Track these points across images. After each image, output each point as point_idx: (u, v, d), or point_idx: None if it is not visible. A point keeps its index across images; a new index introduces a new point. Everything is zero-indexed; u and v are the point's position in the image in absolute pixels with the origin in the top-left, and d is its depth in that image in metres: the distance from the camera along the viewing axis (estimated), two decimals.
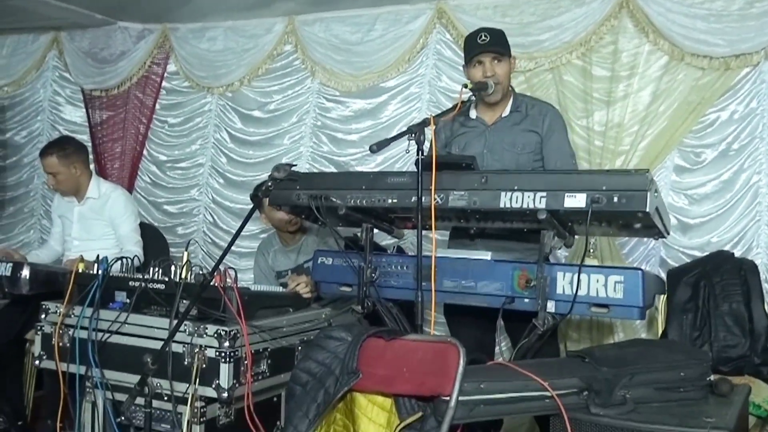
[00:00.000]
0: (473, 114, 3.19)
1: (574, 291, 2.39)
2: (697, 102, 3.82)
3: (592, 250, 3.49)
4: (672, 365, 2.31)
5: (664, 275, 3.65)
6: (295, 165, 2.67)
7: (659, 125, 3.90)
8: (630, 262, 3.95)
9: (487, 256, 2.64)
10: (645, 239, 3.89)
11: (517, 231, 2.68)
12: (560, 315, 2.48)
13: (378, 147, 2.46)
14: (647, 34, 3.92)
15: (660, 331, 3.54)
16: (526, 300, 2.52)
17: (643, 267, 3.83)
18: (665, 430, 2.10)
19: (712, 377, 2.36)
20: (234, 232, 4.75)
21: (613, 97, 4.01)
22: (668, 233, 2.55)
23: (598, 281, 2.42)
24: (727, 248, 3.70)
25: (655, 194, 2.28)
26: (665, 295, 3.51)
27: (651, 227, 2.38)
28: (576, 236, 2.56)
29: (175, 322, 2.70)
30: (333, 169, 4.64)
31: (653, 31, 3.90)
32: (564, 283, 2.47)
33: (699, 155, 3.88)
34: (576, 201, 2.29)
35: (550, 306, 2.48)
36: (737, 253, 3.66)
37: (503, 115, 3.13)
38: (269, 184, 2.53)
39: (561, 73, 4.14)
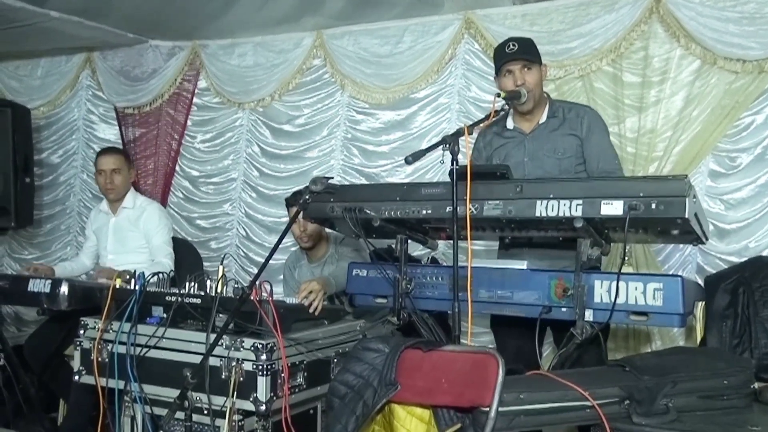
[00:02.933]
0: (510, 124, 3.19)
1: (613, 299, 2.36)
2: (731, 106, 3.77)
3: (628, 258, 3.44)
4: (715, 373, 2.28)
5: (701, 282, 3.60)
6: (332, 178, 2.68)
7: (693, 130, 3.86)
8: (666, 269, 3.90)
9: (522, 265, 2.63)
10: (681, 246, 3.85)
11: (566, 240, 2.65)
12: (599, 323, 2.46)
13: (413, 158, 2.47)
14: (678, 38, 3.88)
15: (699, 339, 3.49)
16: (564, 309, 2.51)
17: (679, 272, 3.83)
18: None
19: (756, 385, 2.33)
20: (267, 245, 4.85)
21: (645, 103, 3.97)
22: (707, 239, 2.51)
23: (636, 289, 2.40)
24: (765, 253, 3.64)
25: (694, 200, 2.25)
26: (703, 302, 3.46)
27: (689, 233, 2.35)
28: (611, 243, 2.54)
29: (212, 336, 2.73)
30: (364, 181, 4.64)
31: (684, 35, 3.86)
32: (602, 291, 2.45)
33: (734, 159, 3.82)
34: (613, 208, 2.28)
35: (588, 315, 2.46)
36: None
37: (540, 122, 3.12)
38: (307, 197, 2.53)
39: (591, 81, 4.11)
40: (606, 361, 2.53)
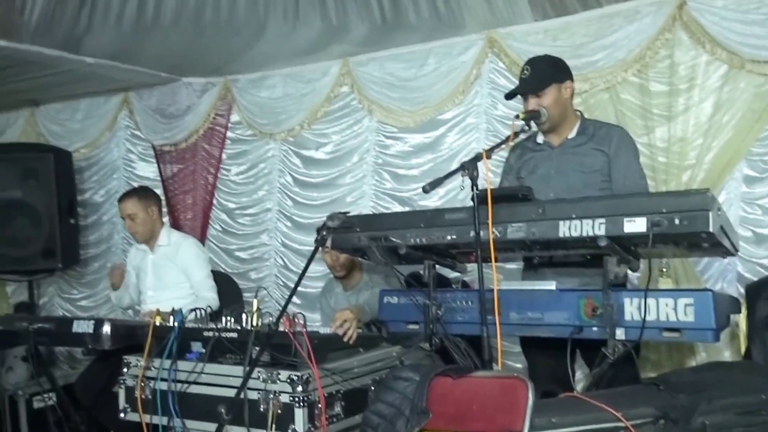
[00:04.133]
0: (540, 139, 3.21)
1: (642, 317, 2.34)
2: (762, 109, 3.70)
3: (665, 270, 3.38)
4: (751, 388, 2.25)
5: (742, 290, 3.53)
6: (349, 212, 2.72)
7: (724, 136, 3.80)
8: (705, 279, 3.83)
9: (551, 286, 2.62)
10: None
11: (594, 257, 2.64)
12: (631, 342, 2.43)
13: (431, 187, 2.49)
14: (703, 44, 3.83)
15: (743, 349, 3.42)
16: (595, 328, 2.49)
17: (719, 283, 3.78)
18: None
19: None
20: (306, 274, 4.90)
21: (674, 112, 3.92)
22: (737, 251, 2.48)
23: (667, 305, 2.37)
24: None
25: (719, 213, 2.23)
26: (745, 311, 3.39)
27: (718, 246, 2.32)
28: (641, 259, 2.52)
29: (247, 369, 2.77)
30: (397, 206, 4.67)
31: (709, 41, 3.81)
32: (632, 309, 2.43)
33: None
34: (636, 225, 2.26)
35: (620, 333, 2.44)
36: None
37: (569, 137, 3.12)
38: (323, 233, 2.58)
39: (618, 92, 4.08)
40: (640, 379, 2.49)
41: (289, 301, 2.67)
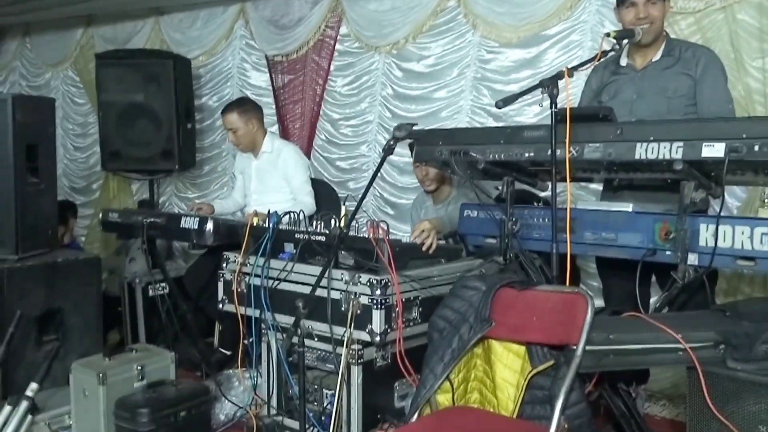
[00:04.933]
0: (624, 61, 3.12)
1: (714, 243, 2.32)
2: None
3: (766, 201, 3.28)
4: None
5: None
6: (416, 124, 2.79)
7: None
8: None
9: (628, 207, 2.62)
10: None
11: (674, 182, 2.62)
12: (703, 267, 2.42)
13: (504, 103, 2.51)
14: None
15: None
16: (668, 252, 2.49)
17: None
18: None
19: None
20: (399, 185, 5.03)
21: None
22: None
23: (743, 233, 2.34)
24: None
25: None
26: None
27: None
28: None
29: (330, 270, 2.96)
30: (491, 121, 4.65)
31: None
32: (707, 235, 2.41)
33: None
34: (714, 150, 2.22)
35: (693, 258, 2.43)
36: None
37: (654, 60, 3.03)
38: (391, 143, 2.67)
39: (734, 11, 3.83)
40: (710, 305, 2.49)
41: (359, 205, 2.80)
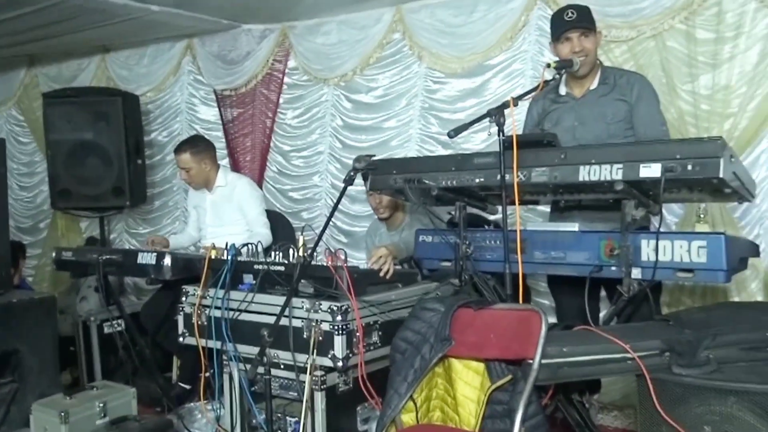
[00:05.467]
0: (563, 90, 3.30)
1: (655, 258, 2.47)
2: None
3: (702, 216, 3.47)
4: (758, 325, 2.37)
5: None
6: (374, 155, 2.89)
7: None
8: (742, 225, 3.89)
9: (574, 227, 2.76)
10: (758, 201, 3.82)
11: (616, 202, 2.77)
12: (646, 281, 2.57)
13: (455, 132, 2.64)
14: None
15: None
16: (613, 268, 2.63)
17: (756, 229, 3.84)
18: (747, 388, 2.17)
19: None
20: (352, 213, 5.13)
21: (719, 60, 3.92)
22: (753, 197, 2.57)
23: (681, 247, 2.49)
24: None
25: (731, 160, 2.32)
26: None
27: (730, 191, 2.42)
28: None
29: (291, 300, 3.02)
30: (441, 149, 4.81)
31: None
32: (648, 250, 2.56)
33: None
34: (651, 171, 2.38)
35: (636, 273, 2.58)
36: None
37: (591, 88, 3.21)
38: (351, 173, 2.77)
39: (664, 39, 4.09)
40: (654, 316, 2.64)
41: (321, 236, 2.88)
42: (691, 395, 2.24)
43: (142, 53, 6.42)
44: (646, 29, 4.13)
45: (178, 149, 4.54)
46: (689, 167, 2.31)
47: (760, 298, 3.81)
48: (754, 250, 2.82)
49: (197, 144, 4.55)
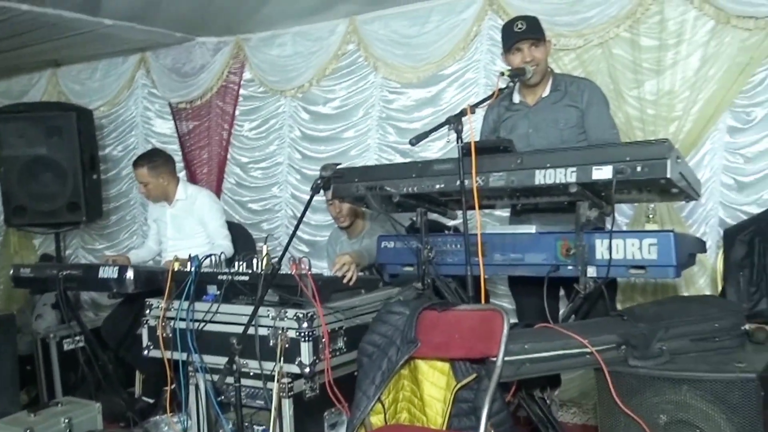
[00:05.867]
0: (516, 98, 3.41)
1: (609, 256, 2.59)
2: (746, 63, 3.86)
3: (651, 216, 3.61)
4: (706, 317, 2.49)
5: (721, 234, 3.77)
6: (340, 164, 2.96)
7: (710, 89, 3.96)
8: (689, 224, 4.05)
9: (532, 229, 2.87)
10: (703, 201, 3.99)
11: (570, 203, 2.87)
12: (601, 278, 2.68)
13: (417, 140, 2.73)
14: (692, 0, 3.99)
15: (720, 288, 3.66)
16: (570, 267, 2.74)
17: (702, 228, 4.00)
18: (698, 377, 2.30)
19: (747, 326, 2.52)
20: (313, 223, 5.18)
21: (663, 66, 4.09)
22: (698, 195, 2.71)
23: (633, 245, 2.61)
24: None
25: (678, 160, 2.45)
26: (722, 254, 3.62)
27: (678, 191, 2.55)
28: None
29: (259, 308, 3.05)
30: (399, 158, 4.90)
31: None
32: (602, 249, 2.67)
33: (750, 114, 3.92)
34: (603, 173, 2.49)
35: (591, 271, 2.69)
36: None
37: (543, 96, 3.34)
38: (318, 182, 2.83)
39: (610, 47, 4.25)
40: (609, 312, 2.75)
41: (289, 243, 2.95)
42: (647, 386, 2.35)
43: (94, 67, 6.39)
44: (593, 38, 4.28)
45: (136, 164, 4.54)
46: (638, 169, 2.42)
47: (707, 293, 3.97)
48: (701, 246, 2.96)
49: (154, 158, 4.55)
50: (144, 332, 3.64)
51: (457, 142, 2.69)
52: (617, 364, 2.42)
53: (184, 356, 3.43)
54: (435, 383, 2.65)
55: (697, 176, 2.96)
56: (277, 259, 2.96)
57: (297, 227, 3.00)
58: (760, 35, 3.83)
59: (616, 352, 2.44)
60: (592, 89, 3.32)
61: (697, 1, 3.98)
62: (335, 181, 3.00)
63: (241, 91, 5.76)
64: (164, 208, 4.62)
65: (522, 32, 3.28)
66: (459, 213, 3.25)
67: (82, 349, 4.32)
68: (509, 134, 3.34)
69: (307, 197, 5.16)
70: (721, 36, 3.95)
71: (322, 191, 3.31)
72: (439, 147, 4.65)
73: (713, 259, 3.93)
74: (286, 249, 2.95)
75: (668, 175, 2.37)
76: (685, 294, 4.03)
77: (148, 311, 3.62)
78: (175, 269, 3.58)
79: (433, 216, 3.21)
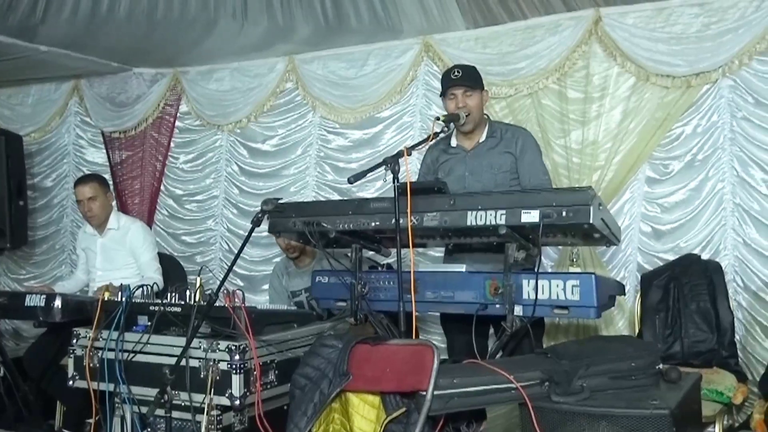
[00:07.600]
0: (454, 142, 3.56)
1: (535, 296, 2.71)
2: (663, 118, 4.12)
3: (575, 259, 3.80)
4: (624, 356, 2.62)
5: (638, 279, 3.97)
6: (281, 199, 3.02)
7: (630, 141, 4.22)
8: (610, 268, 4.26)
9: (462, 268, 2.97)
10: (623, 247, 4.20)
11: (500, 244, 3.00)
12: (527, 317, 2.80)
13: (355, 179, 2.82)
14: (615, 57, 4.25)
15: (637, 330, 3.84)
16: (498, 306, 2.84)
17: (621, 272, 4.19)
18: (615, 413, 2.41)
19: (661, 366, 2.67)
20: (248, 258, 5.19)
21: (588, 117, 4.33)
22: (618, 241, 2.87)
23: (557, 286, 2.74)
24: (696, 251, 3.99)
25: (600, 207, 2.60)
26: (639, 298, 3.82)
27: (600, 236, 2.70)
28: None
29: (192, 339, 3.06)
30: (336, 196, 4.99)
31: (620, 54, 4.22)
32: (529, 289, 2.78)
33: (667, 167, 4.18)
34: (531, 216, 2.62)
35: (518, 310, 2.80)
36: (705, 256, 3.96)
37: (480, 141, 3.49)
38: (258, 215, 2.89)
39: (539, 98, 4.47)
40: (534, 350, 2.87)
41: (227, 275, 2.96)
42: (568, 421, 2.46)
43: (25, 92, 6.31)
44: (523, 88, 4.50)
45: (84, 180, 4.49)
46: (564, 213, 2.56)
47: (626, 334, 4.15)
48: (621, 289, 3.12)
49: (100, 177, 4.56)
50: (70, 362, 3.57)
51: (393, 182, 2.78)
52: (541, 400, 2.52)
53: (111, 387, 3.37)
54: (365, 416, 2.69)
55: (617, 223, 3.13)
56: (213, 291, 2.97)
57: (237, 258, 3.02)
58: (677, 93, 4.10)
59: (539, 388, 2.54)
60: (526, 137, 3.49)
61: (620, 59, 4.24)
62: (273, 216, 3.06)
63: (177, 123, 5.77)
64: (94, 237, 4.54)
65: (457, 79, 3.43)
66: (393, 251, 3.34)
67: (2, 379, 4.17)
68: (447, 176, 3.47)
69: (245, 232, 5.31)
70: (641, 92, 4.22)
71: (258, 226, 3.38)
72: (377, 187, 4.76)
73: (631, 302, 4.12)
74: (224, 279, 2.97)
75: (591, 221, 2.52)
76: (605, 334, 4.21)
77: (75, 341, 3.55)
78: (105, 298, 3.55)
79: (370, 253, 3.30)
